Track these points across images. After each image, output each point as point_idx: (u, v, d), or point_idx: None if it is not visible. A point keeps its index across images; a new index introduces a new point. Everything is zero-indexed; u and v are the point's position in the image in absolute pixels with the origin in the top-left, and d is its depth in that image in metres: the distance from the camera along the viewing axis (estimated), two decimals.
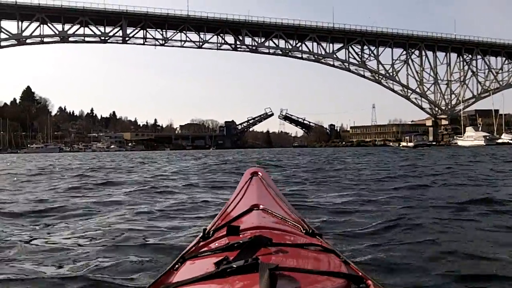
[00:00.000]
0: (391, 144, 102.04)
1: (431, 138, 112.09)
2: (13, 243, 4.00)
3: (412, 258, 3.35)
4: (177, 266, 1.40)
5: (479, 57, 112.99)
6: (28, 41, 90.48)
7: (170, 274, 1.35)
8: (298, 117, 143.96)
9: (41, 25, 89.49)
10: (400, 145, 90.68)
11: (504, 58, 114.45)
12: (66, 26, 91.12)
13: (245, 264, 1.17)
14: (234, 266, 1.17)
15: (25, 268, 3.25)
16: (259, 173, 2.63)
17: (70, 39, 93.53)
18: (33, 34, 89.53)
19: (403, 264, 3.19)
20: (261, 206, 1.95)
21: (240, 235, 1.56)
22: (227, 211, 2.12)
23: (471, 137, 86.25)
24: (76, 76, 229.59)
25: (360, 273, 1.30)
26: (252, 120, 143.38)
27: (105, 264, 3.24)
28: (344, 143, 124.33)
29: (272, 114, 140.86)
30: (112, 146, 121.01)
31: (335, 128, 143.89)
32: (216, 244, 1.53)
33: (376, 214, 5.47)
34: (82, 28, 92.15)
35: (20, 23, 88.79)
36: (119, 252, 3.60)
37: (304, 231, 1.69)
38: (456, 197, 7.08)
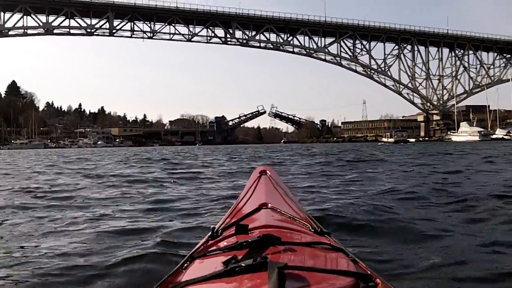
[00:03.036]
0: (383, 139, 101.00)
1: (422, 133, 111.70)
2: None
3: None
4: (185, 265, 1.41)
5: (471, 52, 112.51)
6: (10, 32, 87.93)
7: (178, 273, 1.36)
8: (288, 114, 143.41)
9: (24, 16, 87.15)
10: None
11: (495, 54, 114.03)
12: (51, 18, 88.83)
13: (253, 263, 1.17)
14: (243, 265, 1.17)
15: None
16: (268, 171, 2.54)
17: (55, 31, 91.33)
18: (16, 26, 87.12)
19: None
20: (269, 204, 1.96)
21: (249, 234, 1.58)
22: (235, 210, 2.10)
23: (466, 132, 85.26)
24: (64, 70, 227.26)
25: (369, 272, 1.30)
26: (244, 117, 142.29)
27: None
28: (335, 138, 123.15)
29: (264, 112, 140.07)
30: (99, 142, 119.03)
31: (326, 124, 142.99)
32: (225, 243, 1.55)
33: None
34: (67, 20, 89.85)
35: (2, 14, 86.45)
36: None
37: (313, 230, 1.70)
38: None
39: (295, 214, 1.88)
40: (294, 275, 1.13)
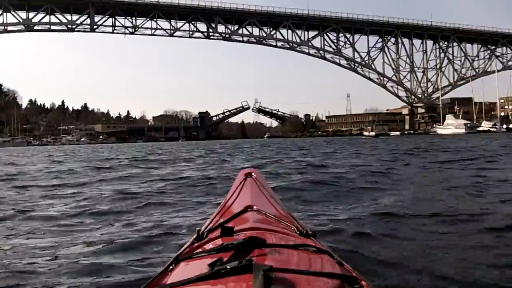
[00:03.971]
0: (364, 133, 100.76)
1: (407, 126, 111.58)
2: None
3: None
4: (171, 267, 1.39)
5: (455, 44, 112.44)
6: None
7: (164, 275, 1.34)
8: (271, 109, 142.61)
9: (4, 13, 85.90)
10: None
11: (480, 45, 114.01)
12: (31, 14, 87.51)
13: (239, 265, 1.16)
14: (228, 267, 1.17)
15: None
16: (253, 174, 2.58)
17: (36, 27, 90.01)
18: None
19: None
20: (255, 207, 1.97)
21: (234, 236, 1.58)
22: (221, 212, 2.11)
23: (451, 125, 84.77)
24: (46, 67, 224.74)
25: (354, 274, 1.30)
26: (228, 113, 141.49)
27: None
28: (319, 132, 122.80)
29: (249, 108, 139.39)
30: (83, 139, 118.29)
31: (311, 118, 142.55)
32: (210, 245, 1.54)
33: None
34: (47, 16, 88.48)
35: None
36: None
37: (298, 232, 1.71)
38: None
39: (280, 216, 1.89)
40: (280, 277, 1.12)
